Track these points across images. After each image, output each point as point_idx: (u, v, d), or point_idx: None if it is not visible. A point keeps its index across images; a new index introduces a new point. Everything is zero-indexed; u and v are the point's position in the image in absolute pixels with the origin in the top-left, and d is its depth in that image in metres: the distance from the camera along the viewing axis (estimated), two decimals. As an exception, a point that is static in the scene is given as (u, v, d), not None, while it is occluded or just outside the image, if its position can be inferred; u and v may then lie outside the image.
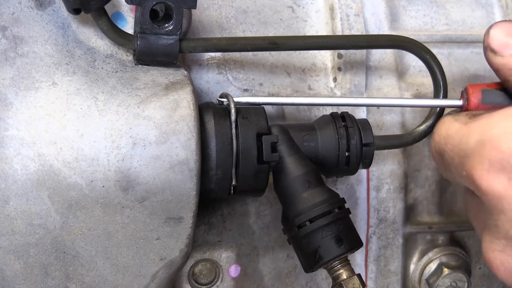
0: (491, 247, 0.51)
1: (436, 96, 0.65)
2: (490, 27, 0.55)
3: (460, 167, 0.52)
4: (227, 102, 0.59)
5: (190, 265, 0.65)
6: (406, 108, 0.71)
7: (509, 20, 0.56)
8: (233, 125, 0.58)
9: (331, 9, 0.71)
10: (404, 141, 0.66)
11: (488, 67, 0.74)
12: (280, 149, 0.59)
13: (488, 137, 0.49)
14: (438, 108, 0.65)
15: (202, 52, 0.62)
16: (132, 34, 0.59)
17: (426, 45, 0.65)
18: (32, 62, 0.55)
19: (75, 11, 0.55)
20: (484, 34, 0.56)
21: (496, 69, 0.55)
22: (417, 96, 0.71)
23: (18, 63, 0.55)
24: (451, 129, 0.54)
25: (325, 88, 0.70)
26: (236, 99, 0.59)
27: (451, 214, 0.73)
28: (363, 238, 0.70)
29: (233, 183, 0.58)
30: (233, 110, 0.58)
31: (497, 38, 0.55)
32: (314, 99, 0.63)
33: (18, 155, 0.53)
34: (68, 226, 0.54)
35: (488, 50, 0.55)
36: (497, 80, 0.59)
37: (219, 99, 0.60)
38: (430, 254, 0.72)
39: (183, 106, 0.56)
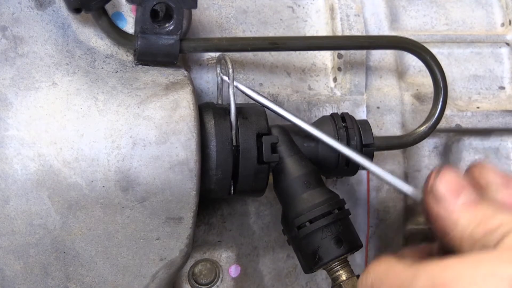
0: None
1: (436, 96, 0.65)
2: (436, 174, 0.51)
3: None
4: (228, 103, 0.59)
5: (190, 265, 0.65)
6: (406, 108, 0.71)
7: (454, 169, 0.54)
8: (233, 125, 0.58)
9: (331, 9, 0.71)
10: (403, 142, 0.66)
11: (489, 67, 0.74)
12: (280, 149, 0.59)
13: (440, 281, 0.43)
14: (439, 109, 0.65)
15: (202, 52, 0.62)
16: (133, 34, 0.59)
17: (426, 45, 0.65)
18: (32, 62, 0.55)
19: (76, 10, 0.55)
20: (428, 177, 0.52)
21: (434, 218, 0.51)
22: (417, 96, 0.71)
23: (18, 63, 0.55)
24: (391, 269, 0.48)
25: (325, 88, 0.70)
26: (239, 85, 0.59)
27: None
28: (363, 238, 0.70)
29: (233, 183, 0.58)
30: (233, 110, 0.58)
31: (444, 186, 0.50)
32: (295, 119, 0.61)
33: (18, 155, 0.53)
34: (68, 226, 0.54)
35: (430, 195, 0.51)
36: None
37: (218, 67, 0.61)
38: (430, 254, 0.72)
39: (183, 106, 0.56)
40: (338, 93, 0.70)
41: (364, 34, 0.70)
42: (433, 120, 0.65)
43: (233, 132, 0.58)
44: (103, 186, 0.54)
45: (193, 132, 0.55)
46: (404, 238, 0.72)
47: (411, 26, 0.74)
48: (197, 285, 0.66)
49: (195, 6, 0.57)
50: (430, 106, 0.66)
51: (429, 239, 0.73)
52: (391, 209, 0.71)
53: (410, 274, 0.46)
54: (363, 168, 0.59)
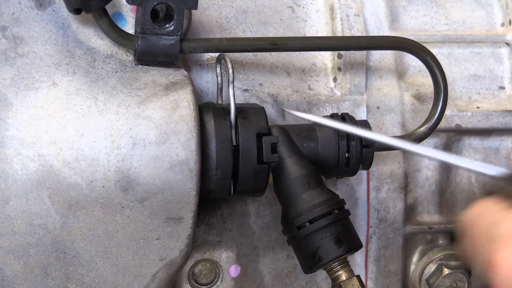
0: None
1: (436, 96, 0.65)
2: None
3: (482, 249, 0.48)
4: (228, 103, 0.59)
5: (190, 265, 0.65)
6: (406, 108, 0.71)
7: None
8: (233, 125, 0.58)
9: (331, 9, 0.71)
10: None
11: (489, 67, 0.74)
12: (280, 150, 0.59)
13: None
14: (439, 110, 0.64)
15: (202, 52, 0.62)
16: (133, 34, 0.58)
17: (426, 45, 0.65)
18: (32, 62, 0.55)
19: (76, 11, 0.55)
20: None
21: None
22: (417, 96, 0.71)
23: (18, 63, 0.55)
24: (487, 210, 0.50)
25: (325, 88, 0.70)
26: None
27: (451, 214, 0.73)
28: (363, 238, 0.70)
29: (233, 183, 0.58)
30: (233, 110, 0.58)
31: None
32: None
33: (18, 155, 0.53)
34: (68, 226, 0.54)
35: None
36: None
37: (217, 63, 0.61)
38: (430, 254, 0.72)
39: (183, 106, 0.56)
40: (338, 93, 0.70)
41: (364, 34, 0.70)
42: (433, 121, 0.64)
43: (233, 132, 0.58)
44: (103, 186, 0.54)
45: (193, 132, 0.55)
46: (404, 238, 0.72)
47: (411, 26, 0.74)
48: (197, 285, 0.66)
49: (195, 7, 0.57)
50: (430, 106, 0.66)
51: (429, 240, 0.73)
52: (391, 209, 0.71)
53: (501, 216, 0.48)
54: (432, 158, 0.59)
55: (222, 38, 0.62)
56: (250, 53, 0.67)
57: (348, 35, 0.69)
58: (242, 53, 0.67)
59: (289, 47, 0.62)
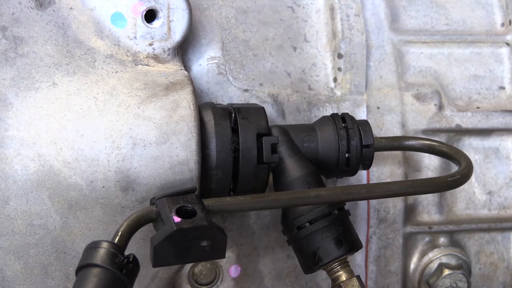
0: None
1: None
2: None
3: None
4: (228, 103, 0.59)
5: (190, 265, 0.65)
6: (406, 108, 0.70)
7: None
8: (233, 126, 0.58)
9: (331, 9, 0.71)
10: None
11: (489, 67, 0.74)
12: (280, 150, 0.59)
13: None
14: None
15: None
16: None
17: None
18: (32, 62, 0.55)
19: None
20: None
21: None
22: (417, 96, 0.71)
23: (18, 63, 0.55)
24: None
25: (325, 88, 0.70)
26: None
27: (451, 214, 0.73)
28: (363, 238, 0.70)
29: (233, 183, 0.58)
30: (233, 111, 0.58)
31: None
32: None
33: (18, 156, 0.53)
34: (68, 226, 0.54)
35: None
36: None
37: None
38: (430, 255, 0.72)
39: (183, 106, 0.56)
40: (338, 93, 0.70)
41: (364, 34, 0.70)
42: None
43: (233, 132, 0.58)
44: (103, 187, 0.54)
45: (193, 132, 0.55)
46: (404, 238, 0.72)
47: (411, 26, 0.74)
48: (197, 285, 0.66)
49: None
50: (430, 106, 0.66)
51: (429, 240, 0.73)
52: (391, 209, 0.71)
53: None
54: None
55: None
56: (250, 53, 0.67)
57: (348, 35, 0.70)
58: (242, 53, 0.67)
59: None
